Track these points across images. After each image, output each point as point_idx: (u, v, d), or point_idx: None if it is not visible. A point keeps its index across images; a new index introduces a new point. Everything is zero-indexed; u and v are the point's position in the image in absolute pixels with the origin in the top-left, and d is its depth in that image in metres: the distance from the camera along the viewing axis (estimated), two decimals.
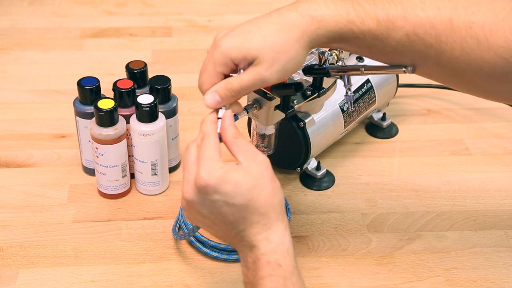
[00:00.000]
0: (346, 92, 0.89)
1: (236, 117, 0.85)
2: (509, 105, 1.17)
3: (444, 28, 0.70)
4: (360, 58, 1.06)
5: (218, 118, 0.77)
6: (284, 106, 0.88)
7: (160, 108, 0.97)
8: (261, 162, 0.72)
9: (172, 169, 1.04)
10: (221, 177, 0.70)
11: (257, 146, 0.94)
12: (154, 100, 0.93)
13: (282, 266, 0.71)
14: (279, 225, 0.72)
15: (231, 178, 0.70)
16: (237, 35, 0.75)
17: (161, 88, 0.97)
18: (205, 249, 0.90)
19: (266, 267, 0.70)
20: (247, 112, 0.87)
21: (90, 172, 1.02)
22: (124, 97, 0.96)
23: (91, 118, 0.95)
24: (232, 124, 0.76)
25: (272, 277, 0.70)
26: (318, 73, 0.89)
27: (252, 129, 0.93)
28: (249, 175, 0.71)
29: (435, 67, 0.73)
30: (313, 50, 0.95)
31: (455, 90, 0.79)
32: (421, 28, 0.71)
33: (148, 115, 0.93)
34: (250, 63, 0.74)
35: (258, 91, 0.86)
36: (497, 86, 0.72)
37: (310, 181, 1.03)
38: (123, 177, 0.97)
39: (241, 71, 0.75)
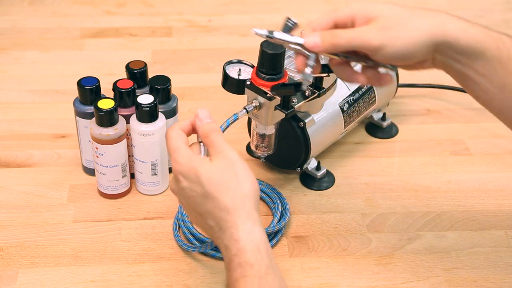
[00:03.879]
0: (306, 70, 0.77)
1: (235, 116, 0.85)
2: None
3: None
4: None
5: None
6: (284, 106, 0.88)
7: (160, 108, 0.97)
8: (226, 157, 0.73)
9: (172, 169, 1.04)
10: (186, 164, 0.73)
11: (257, 146, 0.94)
12: (154, 100, 0.93)
13: (254, 265, 0.69)
14: (244, 222, 0.71)
15: (192, 166, 0.73)
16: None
17: (161, 88, 0.97)
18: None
19: (238, 269, 0.69)
20: (247, 112, 0.87)
21: (90, 172, 1.02)
22: (124, 97, 0.96)
23: (91, 118, 0.95)
24: (204, 122, 0.77)
25: (245, 278, 0.69)
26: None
27: (252, 129, 0.93)
28: (210, 166, 0.72)
29: None
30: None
31: None
32: None
33: (148, 115, 0.93)
34: (367, 21, 0.73)
35: (258, 91, 0.86)
36: None
37: (310, 181, 1.03)
38: (123, 177, 0.97)
39: None
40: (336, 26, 0.75)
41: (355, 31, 0.73)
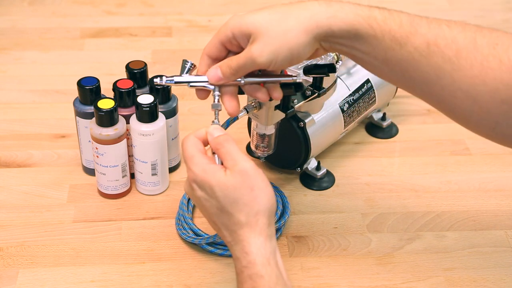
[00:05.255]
0: (214, 100, 0.79)
1: (235, 117, 0.85)
2: None
3: (467, 44, 0.69)
4: None
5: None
6: (284, 106, 0.88)
7: (160, 108, 0.97)
8: (242, 169, 0.71)
9: (172, 169, 1.04)
10: (201, 174, 0.72)
11: (257, 146, 0.94)
12: (154, 100, 0.93)
13: (265, 276, 0.70)
14: (256, 237, 0.71)
15: (207, 178, 0.72)
16: (248, 12, 0.74)
17: (161, 88, 0.97)
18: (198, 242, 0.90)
19: (249, 280, 0.70)
20: (247, 112, 0.87)
21: (90, 172, 1.02)
22: (124, 97, 0.96)
23: (91, 118, 0.95)
24: (216, 132, 0.76)
25: None
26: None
27: (252, 129, 0.93)
28: (225, 180, 0.71)
29: (448, 87, 0.70)
30: None
31: (464, 126, 0.76)
32: (443, 40, 0.69)
33: (148, 115, 0.93)
34: (248, 39, 0.73)
35: None
36: (510, 116, 0.69)
37: (310, 181, 1.03)
38: (123, 177, 0.97)
39: None
40: (225, 47, 0.76)
41: (241, 56, 0.74)
